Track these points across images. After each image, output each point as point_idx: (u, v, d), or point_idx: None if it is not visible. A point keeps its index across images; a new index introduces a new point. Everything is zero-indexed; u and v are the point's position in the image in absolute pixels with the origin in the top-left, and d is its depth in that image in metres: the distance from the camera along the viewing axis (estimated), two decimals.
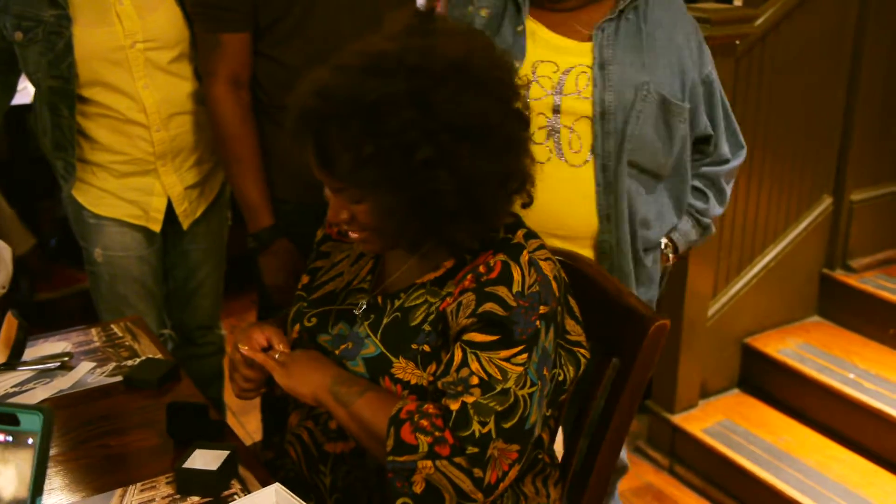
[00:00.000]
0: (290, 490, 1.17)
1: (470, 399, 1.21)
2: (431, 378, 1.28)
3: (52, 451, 1.39)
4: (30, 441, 1.09)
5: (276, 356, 1.38)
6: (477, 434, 1.19)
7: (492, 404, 1.21)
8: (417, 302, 1.31)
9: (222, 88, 1.92)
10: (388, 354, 1.30)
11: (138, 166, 2.08)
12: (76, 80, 1.97)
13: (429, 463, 1.20)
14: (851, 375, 2.80)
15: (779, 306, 3.04)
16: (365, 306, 1.37)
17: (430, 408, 1.23)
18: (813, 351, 2.94)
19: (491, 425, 1.20)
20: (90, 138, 2.05)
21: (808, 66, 2.81)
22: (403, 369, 1.29)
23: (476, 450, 1.19)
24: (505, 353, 1.23)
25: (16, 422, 1.09)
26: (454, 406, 1.21)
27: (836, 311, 3.11)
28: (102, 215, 2.12)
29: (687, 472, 2.78)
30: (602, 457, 1.43)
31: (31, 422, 1.09)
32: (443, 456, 1.20)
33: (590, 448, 1.45)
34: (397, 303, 1.33)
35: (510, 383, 1.22)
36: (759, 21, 2.60)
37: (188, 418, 1.41)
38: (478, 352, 1.23)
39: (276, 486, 1.19)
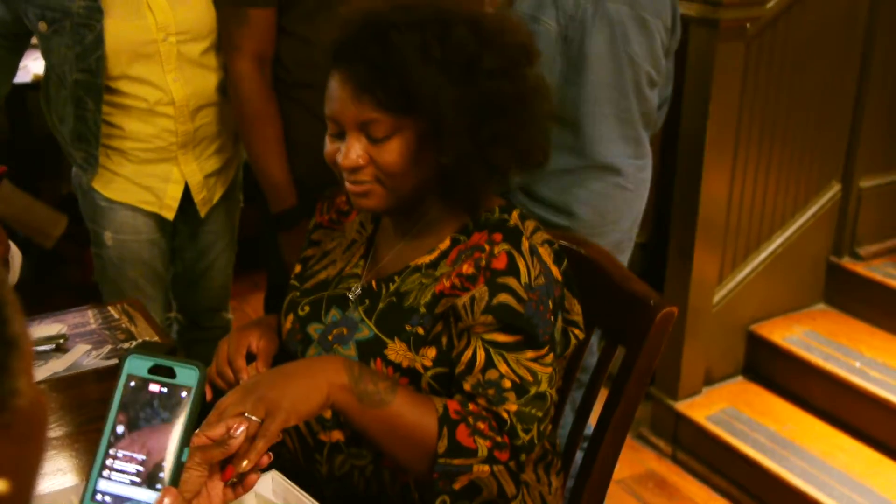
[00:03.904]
0: (287, 478, 1.15)
1: (512, 408, 1.20)
2: (429, 363, 1.25)
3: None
4: None
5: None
6: (526, 442, 1.21)
7: (533, 411, 1.22)
8: (413, 286, 1.29)
9: (248, 66, 1.88)
10: (383, 336, 1.28)
11: (159, 154, 2.02)
12: (104, 73, 1.90)
13: (486, 467, 1.20)
14: (857, 364, 2.77)
15: (785, 293, 3.01)
16: (359, 291, 1.34)
17: (476, 407, 1.21)
18: (819, 339, 2.91)
19: (534, 432, 1.22)
20: (112, 125, 1.98)
21: (819, 50, 2.77)
22: (397, 351, 1.26)
23: (524, 456, 1.22)
24: (531, 354, 1.22)
25: None
26: (502, 414, 1.20)
27: (843, 299, 3.08)
28: (115, 199, 2.07)
29: (690, 460, 2.76)
30: (606, 445, 1.41)
31: None
32: (501, 461, 1.20)
33: (594, 437, 1.43)
34: (392, 287, 1.31)
35: (543, 386, 1.23)
36: (771, 4, 2.56)
37: None
38: (504, 352, 1.22)
39: (273, 472, 1.17)
